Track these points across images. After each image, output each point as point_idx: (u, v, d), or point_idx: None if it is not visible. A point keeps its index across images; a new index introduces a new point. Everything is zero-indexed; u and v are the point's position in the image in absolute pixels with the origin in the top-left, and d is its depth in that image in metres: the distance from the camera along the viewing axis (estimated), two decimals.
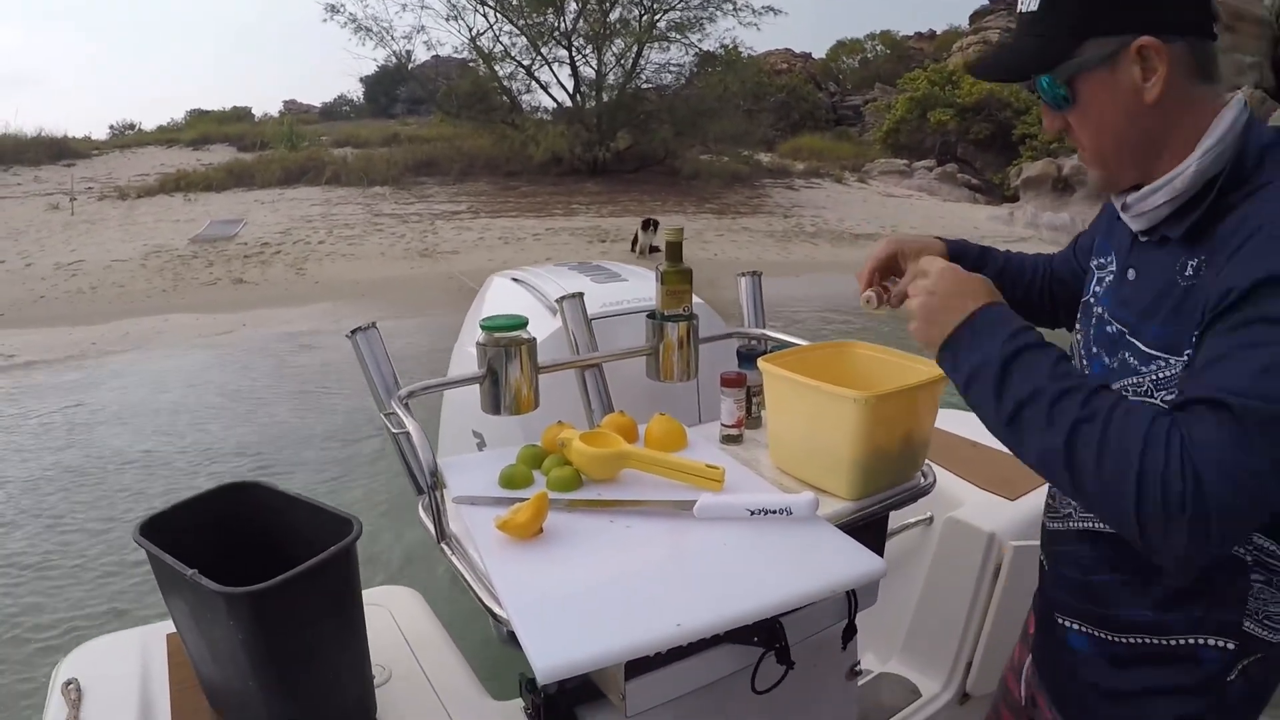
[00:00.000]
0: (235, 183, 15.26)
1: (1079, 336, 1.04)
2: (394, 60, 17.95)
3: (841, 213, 16.31)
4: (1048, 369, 0.81)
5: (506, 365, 1.33)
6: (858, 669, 1.45)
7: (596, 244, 12.54)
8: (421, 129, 20.02)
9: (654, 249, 11.24)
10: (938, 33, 30.98)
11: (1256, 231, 0.76)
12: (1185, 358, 0.82)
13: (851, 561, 1.06)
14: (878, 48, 32.26)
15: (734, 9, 17.14)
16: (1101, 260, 1.01)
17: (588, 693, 1.21)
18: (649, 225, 11.54)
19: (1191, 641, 0.91)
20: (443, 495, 1.17)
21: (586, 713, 1.21)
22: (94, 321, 8.54)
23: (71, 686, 1.25)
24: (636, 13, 17.03)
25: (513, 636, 0.91)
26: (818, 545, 1.09)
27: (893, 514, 1.35)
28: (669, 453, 1.30)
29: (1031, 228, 15.83)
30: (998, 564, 1.79)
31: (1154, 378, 0.87)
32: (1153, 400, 0.86)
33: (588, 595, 0.98)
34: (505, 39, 17.08)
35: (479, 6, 16.58)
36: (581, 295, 1.65)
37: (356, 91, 35.53)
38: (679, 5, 17.04)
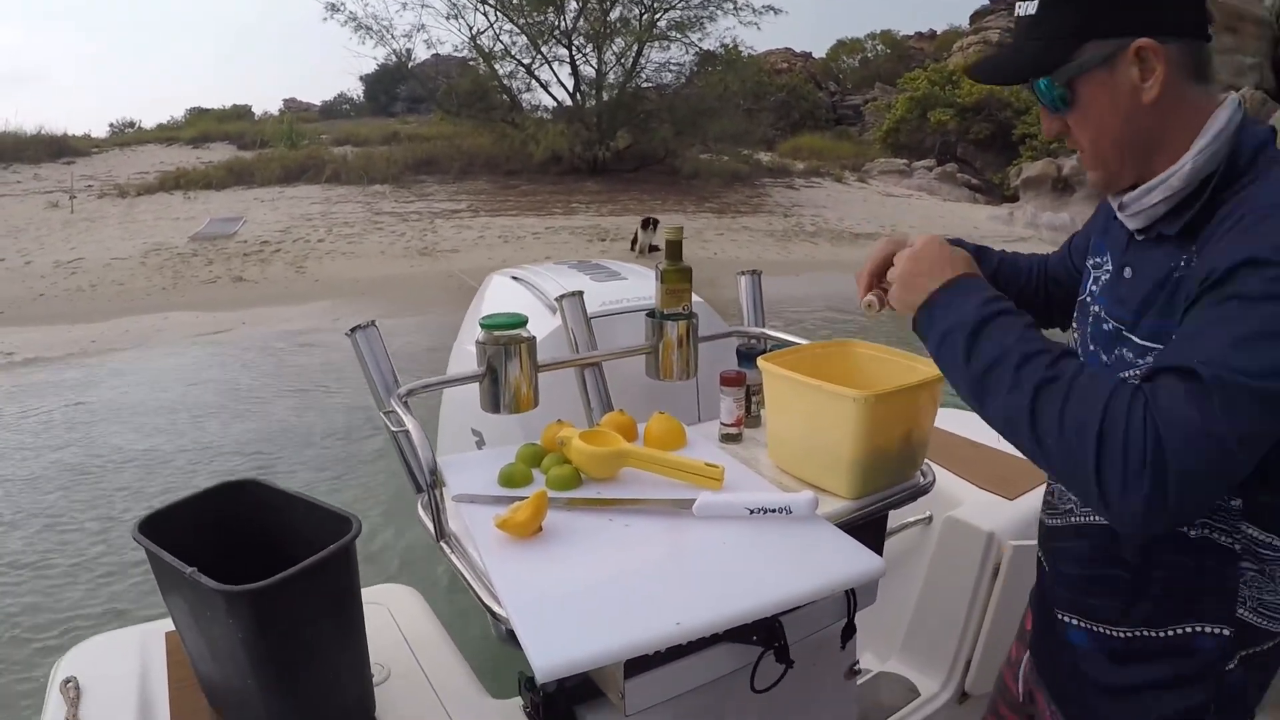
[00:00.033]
0: (235, 181, 15.26)
1: (1075, 335, 1.04)
2: (394, 59, 17.96)
3: (841, 212, 16.31)
4: (1017, 334, 0.84)
5: (506, 364, 1.33)
6: (857, 668, 1.45)
7: (596, 243, 12.54)
8: (421, 127, 20.02)
9: (654, 248, 11.24)
10: (938, 32, 30.95)
11: (1240, 219, 0.78)
12: None
13: (851, 560, 1.06)
14: (878, 47, 32.24)
15: (734, 8, 17.15)
16: (1097, 259, 1.02)
17: (587, 691, 1.21)
18: (649, 224, 11.54)
19: (1187, 630, 0.91)
20: (442, 494, 1.17)
21: (585, 711, 1.21)
22: (93, 319, 8.54)
23: (70, 685, 1.25)
24: (637, 11, 17.04)
25: (512, 635, 0.91)
26: (817, 544, 1.09)
27: (892, 513, 1.36)
28: (668, 451, 1.30)
29: (1031, 228, 15.83)
30: (997, 563, 1.79)
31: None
32: None
33: (587, 594, 0.98)
34: (505, 37, 17.11)
35: (479, 5, 16.59)
36: (581, 294, 1.65)
37: (356, 90, 35.61)
38: (679, 4, 17.04)
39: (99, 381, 6.43)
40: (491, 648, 1.91)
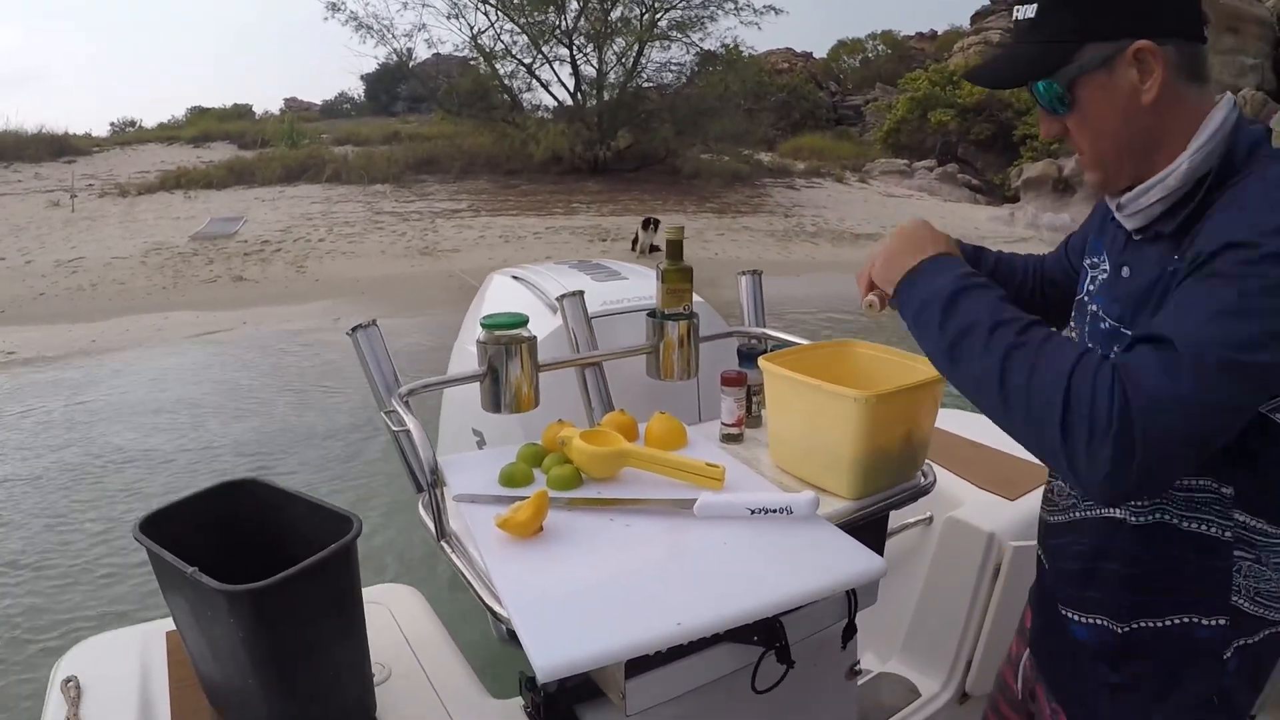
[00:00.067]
0: (236, 180, 15.26)
1: (1073, 334, 1.05)
2: (395, 58, 17.96)
3: (842, 212, 16.31)
4: (990, 303, 0.87)
5: (507, 363, 1.33)
6: (857, 668, 1.45)
7: (597, 243, 12.54)
8: (422, 127, 20.03)
9: (654, 248, 11.25)
10: (939, 33, 30.92)
11: (1226, 208, 0.81)
12: None
13: (851, 561, 1.06)
14: (879, 48, 32.23)
15: (735, 8, 17.13)
16: (1094, 259, 1.03)
17: (587, 691, 1.21)
18: (649, 224, 11.54)
19: (1184, 621, 0.92)
20: (443, 493, 1.17)
21: (586, 711, 1.21)
22: (94, 319, 8.54)
23: (71, 684, 1.25)
24: (638, 11, 17.02)
25: (513, 635, 0.91)
26: (818, 544, 1.09)
27: (893, 513, 1.36)
28: (669, 451, 1.30)
29: (1032, 228, 15.82)
30: (997, 564, 1.79)
31: None
32: None
33: (588, 594, 0.98)
34: (506, 37, 17.10)
35: (480, 4, 16.58)
36: (582, 293, 1.65)
37: (357, 89, 35.63)
38: (680, 4, 17.03)
39: (99, 381, 6.43)
40: (492, 647, 1.92)
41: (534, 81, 17.78)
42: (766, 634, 1.15)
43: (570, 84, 17.66)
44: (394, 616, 1.49)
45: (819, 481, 1.25)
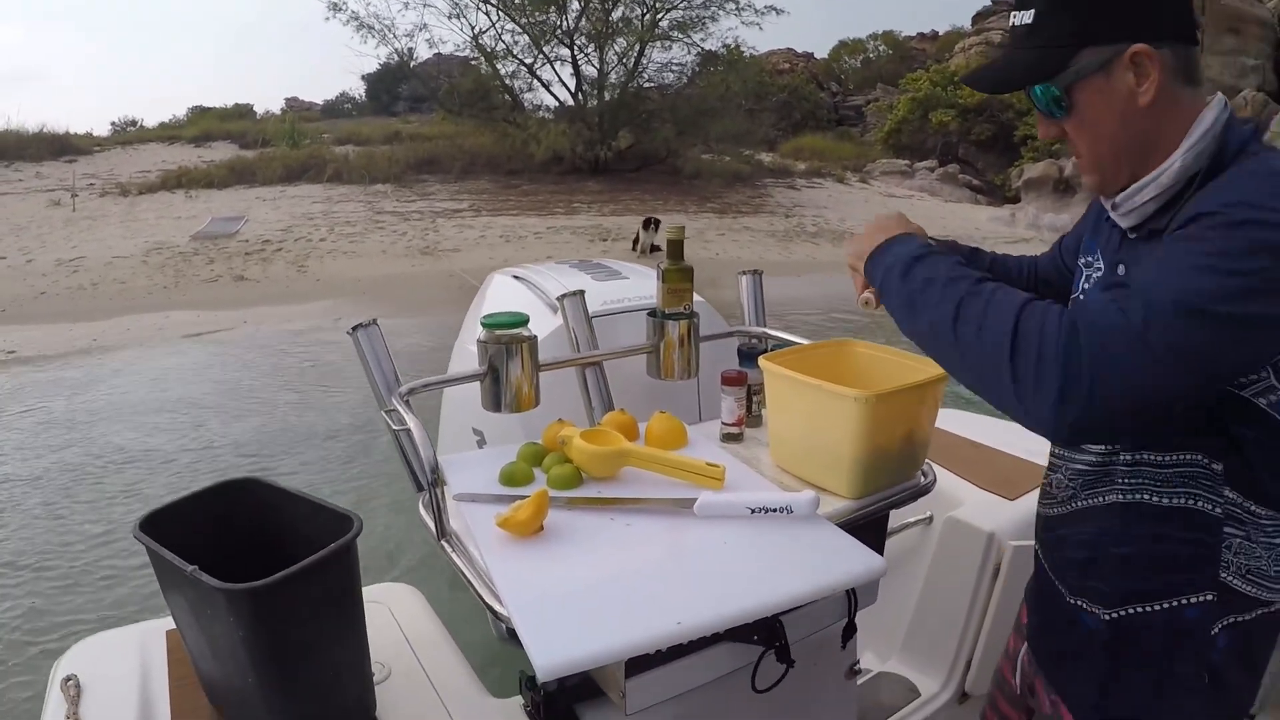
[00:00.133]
0: (237, 180, 15.27)
1: None
2: (396, 58, 17.99)
3: (843, 213, 16.31)
4: (947, 264, 0.92)
5: (507, 363, 1.33)
6: (857, 668, 1.45)
7: (598, 242, 12.55)
8: (423, 127, 20.04)
9: (655, 248, 11.25)
10: (940, 33, 30.95)
11: (1206, 188, 0.84)
12: None
13: (851, 560, 1.06)
14: (880, 48, 32.25)
15: (736, 8, 17.16)
16: (1088, 259, 1.05)
17: (587, 690, 1.21)
18: (650, 224, 11.55)
19: (1175, 603, 0.93)
20: (443, 492, 1.17)
21: (586, 710, 1.21)
22: (95, 318, 8.55)
23: (71, 683, 1.25)
24: (639, 11, 17.04)
25: (513, 634, 0.91)
26: (818, 544, 1.09)
27: (893, 513, 1.36)
28: (669, 451, 1.30)
29: (1033, 229, 15.82)
30: (997, 563, 1.79)
31: None
32: None
33: (588, 593, 0.98)
34: (507, 37, 17.13)
35: (481, 4, 16.61)
36: (582, 293, 1.65)
37: (358, 89, 35.59)
38: (681, 4, 17.05)
39: (100, 380, 6.43)
40: (492, 647, 1.91)
41: (535, 81, 17.83)
42: (766, 633, 1.15)
43: (571, 84, 17.71)
44: (394, 616, 1.49)
45: (819, 481, 1.25)
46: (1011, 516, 1.85)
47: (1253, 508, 0.89)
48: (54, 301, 9.39)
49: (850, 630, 1.30)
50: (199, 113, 26.41)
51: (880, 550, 1.35)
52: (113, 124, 27.32)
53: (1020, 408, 0.79)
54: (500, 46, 17.09)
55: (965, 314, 0.84)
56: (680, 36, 17.32)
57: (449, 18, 18.25)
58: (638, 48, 17.04)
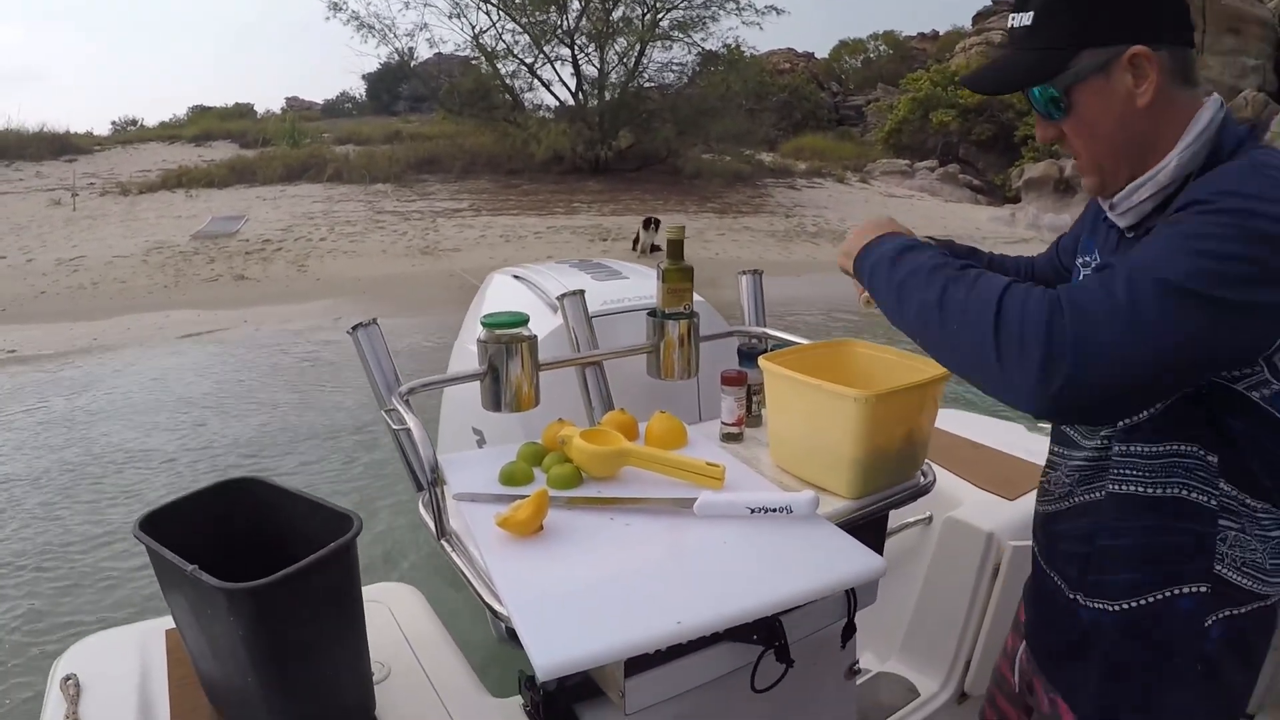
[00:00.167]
0: (237, 179, 15.27)
1: None
2: (396, 57, 17.99)
3: (843, 213, 16.31)
4: (932, 254, 0.93)
5: (507, 362, 1.33)
6: (856, 668, 1.45)
7: (598, 242, 12.55)
8: (424, 126, 20.03)
9: (655, 247, 11.26)
10: (940, 33, 30.93)
11: (1197, 180, 0.85)
12: None
13: (851, 560, 1.06)
14: (880, 48, 32.24)
15: (737, 8, 17.15)
16: (1086, 259, 1.06)
17: (587, 690, 1.21)
18: (650, 224, 11.55)
19: (1170, 594, 0.94)
20: (443, 492, 1.17)
21: (586, 710, 1.21)
22: (95, 317, 8.55)
23: (70, 682, 1.25)
24: (639, 11, 17.03)
25: (512, 633, 0.91)
26: (817, 544, 1.09)
27: (892, 513, 1.36)
28: (669, 450, 1.30)
29: (1033, 229, 15.81)
30: (996, 563, 1.79)
31: None
32: None
33: (588, 592, 0.98)
34: (508, 37, 17.12)
35: (482, 4, 16.61)
36: (583, 293, 1.65)
37: (359, 89, 35.57)
38: (682, 4, 17.04)
39: (100, 380, 6.44)
40: (492, 646, 1.92)
41: (535, 81, 17.82)
42: (766, 633, 1.15)
43: (572, 84, 17.71)
44: (394, 615, 1.49)
45: (819, 481, 1.25)
46: (1011, 516, 1.85)
47: (1248, 501, 0.90)
48: (54, 301, 9.39)
49: (850, 630, 1.30)
50: (199, 112, 26.40)
51: (880, 550, 1.35)
52: (113, 123, 27.32)
53: (1003, 383, 0.80)
54: (501, 46, 17.11)
55: (950, 298, 0.85)
56: (681, 36, 17.34)
57: (449, 17, 18.26)
58: (638, 47, 17.04)
